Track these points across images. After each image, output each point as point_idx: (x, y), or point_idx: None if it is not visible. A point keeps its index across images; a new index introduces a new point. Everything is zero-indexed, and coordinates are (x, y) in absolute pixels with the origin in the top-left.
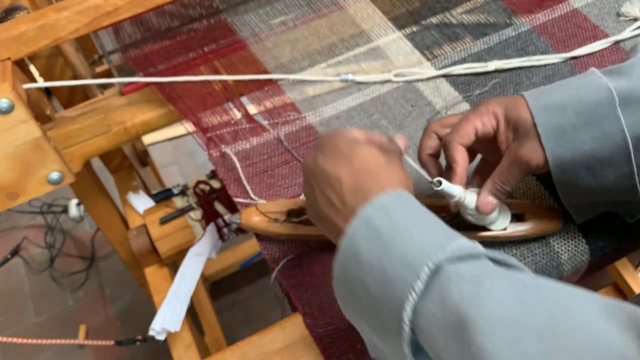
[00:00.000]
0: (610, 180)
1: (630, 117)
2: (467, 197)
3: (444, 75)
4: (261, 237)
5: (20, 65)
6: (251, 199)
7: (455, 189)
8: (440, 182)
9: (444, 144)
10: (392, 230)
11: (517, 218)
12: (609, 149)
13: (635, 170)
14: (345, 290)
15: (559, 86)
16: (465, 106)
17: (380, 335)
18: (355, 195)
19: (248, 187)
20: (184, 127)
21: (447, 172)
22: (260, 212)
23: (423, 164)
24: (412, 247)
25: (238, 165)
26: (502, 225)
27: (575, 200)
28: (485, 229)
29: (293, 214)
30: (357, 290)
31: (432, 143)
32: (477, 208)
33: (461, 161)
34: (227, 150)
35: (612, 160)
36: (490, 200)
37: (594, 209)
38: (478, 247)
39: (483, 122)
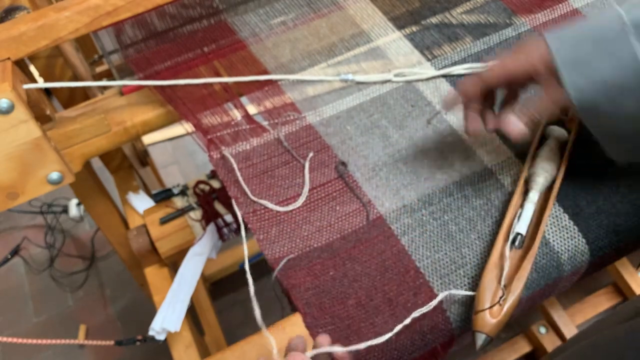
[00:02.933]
0: (630, 109)
1: None
2: None
3: (443, 76)
4: (261, 237)
5: (20, 65)
6: (251, 200)
7: None
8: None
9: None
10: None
11: None
12: (625, 76)
13: None
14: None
15: (571, 25)
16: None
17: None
18: None
19: (247, 189)
20: (183, 127)
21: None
22: (488, 309)
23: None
24: None
25: (236, 167)
26: None
27: (602, 134)
28: None
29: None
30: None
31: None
32: (505, 134)
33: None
34: (227, 152)
35: (630, 87)
36: (520, 126)
37: (624, 147)
38: None
39: (515, 64)
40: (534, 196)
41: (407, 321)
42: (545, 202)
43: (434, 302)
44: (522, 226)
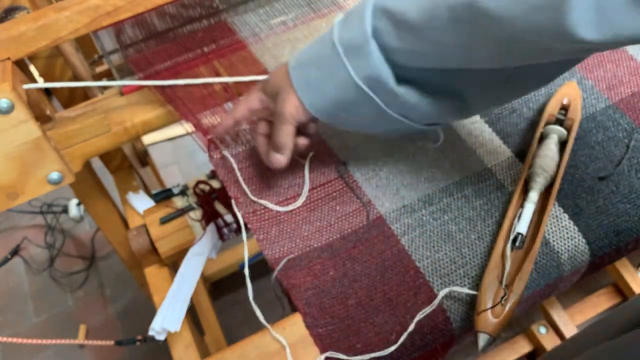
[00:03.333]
0: (369, 115)
1: (355, 62)
2: None
3: None
4: (261, 237)
5: (20, 65)
6: (251, 200)
7: None
8: None
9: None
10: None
11: None
12: (348, 92)
13: (382, 104)
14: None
15: (312, 42)
16: None
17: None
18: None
19: (247, 189)
20: (184, 127)
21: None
22: (490, 309)
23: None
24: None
25: (236, 167)
26: None
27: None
28: None
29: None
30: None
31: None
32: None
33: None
34: (227, 152)
35: (358, 99)
36: (277, 157)
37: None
38: None
39: (251, 111)
40: (534, 196)
41: (411, 328)
42: (545, 201)
43: (436, 302)
44: (522, 226)
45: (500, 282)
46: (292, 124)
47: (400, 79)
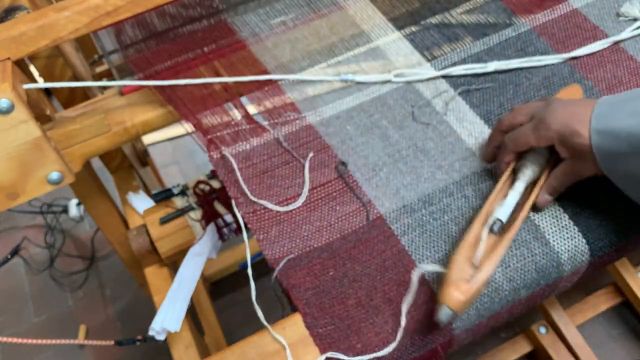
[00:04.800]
0: None
1: None
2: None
3: (443, 76)
4: (261, 237)
5: (20, 65)
6: (251, 200)
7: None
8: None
9: (502, 148)
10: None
11: None
12: None
13: None
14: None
15: (622, 104)
16: (462, 105)
17: None
18: None
19: (247, 190)
20: (184, 127)
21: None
22: (456, 283)
23: (489, 152)
24: None
25: (236, 167)
26: None
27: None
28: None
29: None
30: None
31: (499, 137)
32: (535, 205)
33: (508, 165)
34: (227, 152)
35: None
36: (547, 198)
37: None
38: None
39: (539, 142)
40: (519, 186)
41: (403, 321)
42: (529, 194)
43: (415, 279)
44: (502, 213)
45: (471, 262)
46: (576, 180)
47: None
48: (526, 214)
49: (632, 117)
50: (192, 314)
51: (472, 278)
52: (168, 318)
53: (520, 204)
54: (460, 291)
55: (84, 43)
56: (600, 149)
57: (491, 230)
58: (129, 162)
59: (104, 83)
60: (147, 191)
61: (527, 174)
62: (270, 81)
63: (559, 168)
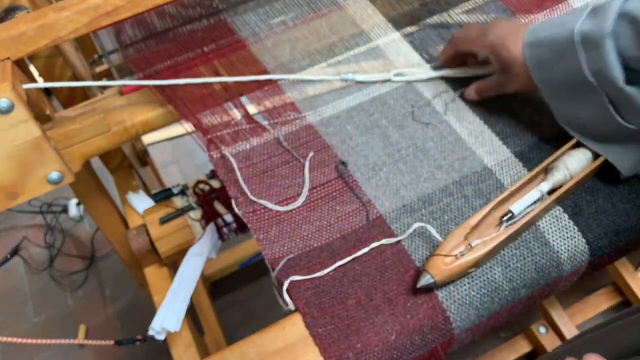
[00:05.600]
0: (591, 110)
1: (588, 54)
2: None
3: (443, 77)
4: (261, 237)
5: (20, 65)
6: (251, 200)
7: None
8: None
9: (448, 43)
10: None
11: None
12: (577, 81)
13: (607, 100)
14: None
15: (552, 21)
16: (462, 105)
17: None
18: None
19: (247, 190)
20: (184, 127)
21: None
22: (444, 255)
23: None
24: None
25: (236, 167)
26: None
27: (568, 120)
28: None
29: (470, 234)
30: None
31: (450, 51)
32: (465, 94)
33: (445, 57)
34: (227, 152)
35: (583, 89)
36: (472, 95)
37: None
38: None
39: (476, 47)
40: (544, 187)
41: (365, 250)
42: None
43: (393, 240)
44: (517, 207)
45: (467, 240)
46: (510, 92)
47: (630, 82)
48: (534, 216)
49: (555, 27)
50: (192, 314)
51: (460, 254)
52: (168, 318)
53: (538, 205)
54: (445, 263)
55: (84, 43)
56: (531, 60)
57: (502, 221)
58: (129, 162)
59: (104, 83)
60: (147, 191)
61: (556, 177)
62: (270, 81)
63: (491, 77)
